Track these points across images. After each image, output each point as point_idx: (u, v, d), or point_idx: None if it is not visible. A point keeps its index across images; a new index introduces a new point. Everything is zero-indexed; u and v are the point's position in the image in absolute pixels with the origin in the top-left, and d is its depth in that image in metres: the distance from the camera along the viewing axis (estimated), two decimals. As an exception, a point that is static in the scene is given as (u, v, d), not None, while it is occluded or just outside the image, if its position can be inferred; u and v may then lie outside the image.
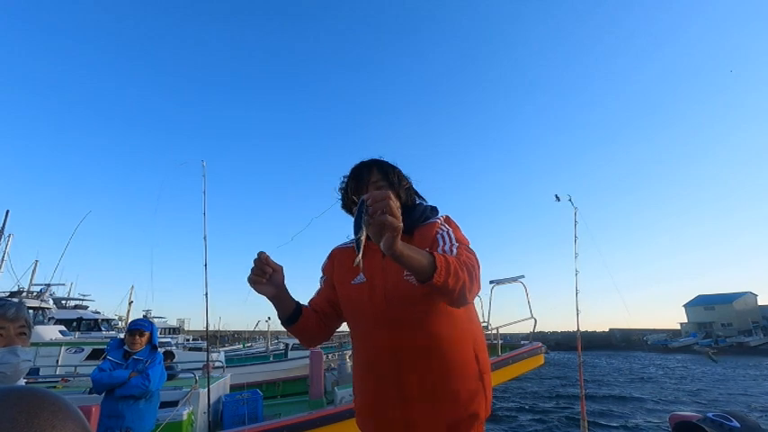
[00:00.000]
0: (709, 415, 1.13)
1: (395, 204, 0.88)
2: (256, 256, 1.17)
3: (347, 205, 1.41)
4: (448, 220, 1.33)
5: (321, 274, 1.46)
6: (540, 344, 5.98)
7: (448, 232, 1.24)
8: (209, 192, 5.07)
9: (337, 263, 1.40)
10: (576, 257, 5.96)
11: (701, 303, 57.85)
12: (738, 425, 1.07)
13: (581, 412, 5.31)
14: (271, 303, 1.23)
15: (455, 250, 1.16)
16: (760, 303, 53.66)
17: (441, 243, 1.20)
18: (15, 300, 1.14)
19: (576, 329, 5.49)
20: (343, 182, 1.42)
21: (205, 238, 4.79)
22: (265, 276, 1.15)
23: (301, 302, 1.32)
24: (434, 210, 1.40)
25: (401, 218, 0.90)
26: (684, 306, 60.25)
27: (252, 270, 1.16)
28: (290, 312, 1.26)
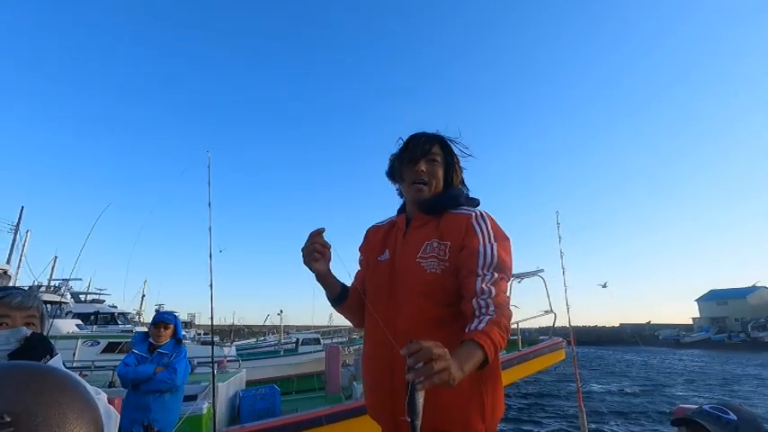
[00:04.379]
0: (706, 407, 1.13)
1: (432, 351, 0.77)
2: (314, 231, 1.19)
3: (393, 174, 1.38)
4: (491, 219, 1.20)
5: (359, 256, 1.47)
6: (561, 339, 5.90)
7: (492, 248, 1.12)
8: (214, 183, 5.17)
9: (369, 240, 1.43)
10: (561, 256, 6.06)
11: (713, 298, 56.97)
12: (735, 417, 1.06)
13: (578, 406, 5.32)
14: (318, 284, 1.26)
15: (494, 289, 1.06)
16: (775, 298, 52.71)
17: (480, 263, 1.10)
18: (25, 288, 1.12)
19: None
20: (393, 155, 1.38)
21: (210, 229, 4.89)
22: (323, 253, 1.20)
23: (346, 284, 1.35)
24: (472, 201, 1.31)
25: (442, 350, 0.80)
26: (697, 301, 59.46)
27: (307, 246, 1.19)
28: (338, 292, 1.29)
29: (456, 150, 1.34)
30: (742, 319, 50.50)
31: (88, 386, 1.06)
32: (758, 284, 53.06)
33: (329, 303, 1.31)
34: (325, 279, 1.25)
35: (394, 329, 1.11)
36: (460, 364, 0.83)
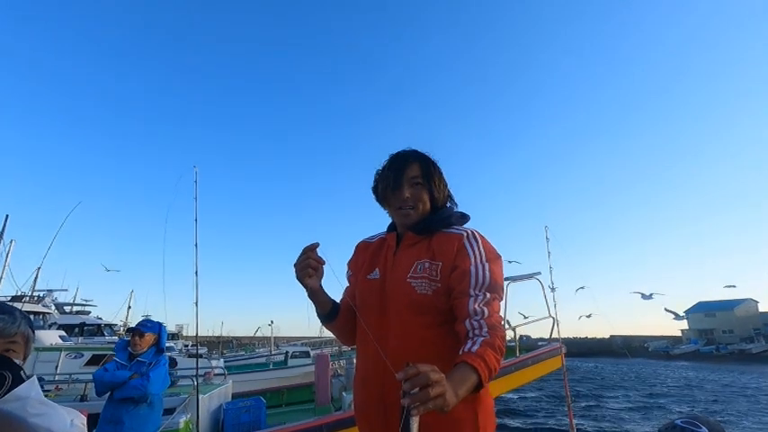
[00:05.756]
0: (677, 422, 1.13)
1: (429, 376, 0.74)
2: (308, 246, 1.15)
3: (379, 199, 1.36)
4: (482, 239, 1.20)
5: (347, 271, 1.44)
6: (559, 344, 5.69)
7: (483, 268, 1.11)
8: (201, 197, 5.09)
9: (358, 256, 1.40)
10: (551, 271, 6.07)
11: (701, 310, 57.57)
12: (706, 430, 1.07)
13: (569, 420, 5.29)
14: (310, 300, 1.22)
15: (486, 310, 1.05)
16: (761, 310, 53.45)
17: (473, 284, 1.09)
18: (11, 311, 1.02)
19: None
20: (378, 172, 1.34)
21: (196, 245, 4.82)
22: (316, 268, 1.15)
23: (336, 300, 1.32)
24: (463, 217, 1.30)
25: (439, 375, 0.76)
26: (685, 313, 60.10)
27: (300, 260, 1.15)
28: (329, 309, 1.25)
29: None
30: (730, 331, 51.16)
31: (58, 410, 0.92)
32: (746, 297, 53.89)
33: (320, 319, 1.28)
34: (317, 296, 1.21)
35: (385, 349, 1.10)
36: (455, 388, 0.80)
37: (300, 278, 1.15)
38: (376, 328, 1.18)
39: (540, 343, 6.51)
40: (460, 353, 0.95)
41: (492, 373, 0.93)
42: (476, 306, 1.04)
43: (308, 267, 1.14)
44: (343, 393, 5.12)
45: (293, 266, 1.17)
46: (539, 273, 5.89)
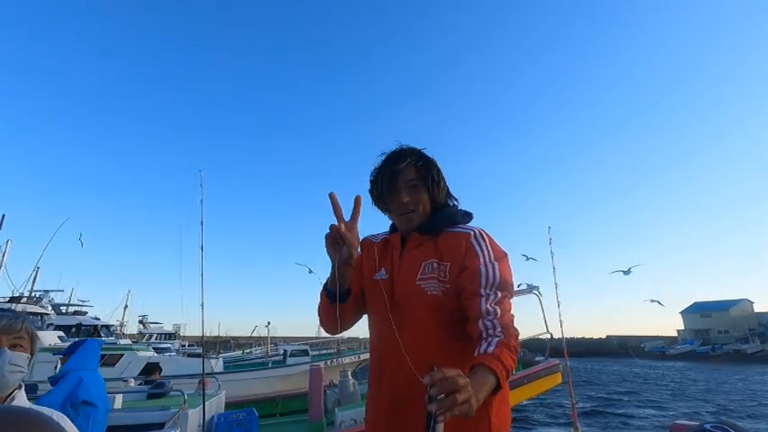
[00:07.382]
0: (706, 426, 1.13)
1: (457, 382, 0.72)
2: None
3: (376, 202, 1.31)
4: (488, 238, 1.18)
5: None
6: (557, 361, 5.66)
7: (493, 267, 1.10)
8: (206, 200, 5.03)
9: (366, 254, 1.35)
10: (553, 271, 6.14)
11: (697, 310, 57.93)
12: None
13: (573, 419, 5.34)
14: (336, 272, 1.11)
15: (498, 309, 1.04)
16: (756, 311, 53.96)
17: (483, 283, 1.08)
18: (13, 310, 1.09)
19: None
20: (373, 173, 1.30)
21: (202, 248, 4.79)
22: (337, 240, 1.05)
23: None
24: (467, 215, 1.28)
25: (465, 380, 0.75)
26: (681, 313, 60.37)
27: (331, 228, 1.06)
28: (344, 289, 1.15)
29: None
30: (725, 332, 51.46)
31: None
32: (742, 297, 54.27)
33: (326, 294, 1.17)
34: (333, 269, 1.10)
35: (399, 351, 1.10)
36: (475, 392, 0.78)
37: (327, 251, 1.09)
38: (382, 328, 1.19)
39: (536, 359, 6.51)
40: (476, 354, 0.95)
41: (509, 374, 0.92)
42: (488, 306, 1.04)
43: (330, 239, 1.07)
44: (336, 410, 4.90)
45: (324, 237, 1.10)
46: (537, 287, 5.91)
